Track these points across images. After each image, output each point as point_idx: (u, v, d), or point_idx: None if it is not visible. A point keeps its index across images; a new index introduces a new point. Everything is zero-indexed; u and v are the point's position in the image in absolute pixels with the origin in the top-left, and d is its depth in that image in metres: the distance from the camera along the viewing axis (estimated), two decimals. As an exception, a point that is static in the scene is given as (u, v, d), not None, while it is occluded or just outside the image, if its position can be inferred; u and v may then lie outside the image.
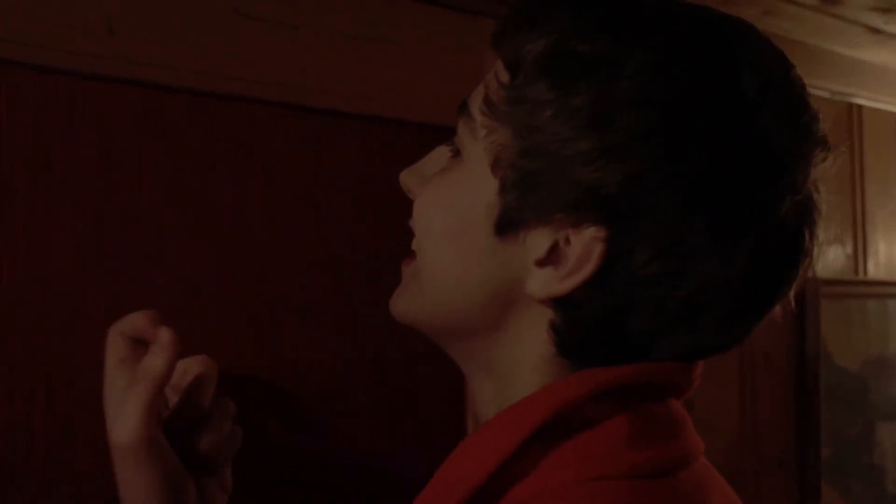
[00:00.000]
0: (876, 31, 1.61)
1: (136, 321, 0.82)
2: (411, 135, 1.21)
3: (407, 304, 0.76)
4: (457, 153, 0.72)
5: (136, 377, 0.78)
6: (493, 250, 0.67)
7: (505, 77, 0.66)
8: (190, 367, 0.87)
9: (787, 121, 0.63)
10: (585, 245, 0.62)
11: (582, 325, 0.66)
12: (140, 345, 0.82)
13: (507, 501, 0.63)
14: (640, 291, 0.63)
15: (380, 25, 1.16)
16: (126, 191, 1.00)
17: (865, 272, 2.00)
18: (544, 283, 0.65)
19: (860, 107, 1.92)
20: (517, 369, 0.69)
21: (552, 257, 0.65)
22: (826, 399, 1.85)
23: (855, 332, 1.95)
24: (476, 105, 0.68)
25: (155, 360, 0.78)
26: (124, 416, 0.77)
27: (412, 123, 1.20)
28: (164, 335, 0.79)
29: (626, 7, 0.65)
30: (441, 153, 0.76)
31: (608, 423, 0.65)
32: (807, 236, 0.65)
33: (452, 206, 0.70)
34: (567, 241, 0.64)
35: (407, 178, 0.77)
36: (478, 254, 0.68)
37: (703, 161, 0.61)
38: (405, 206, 1.13)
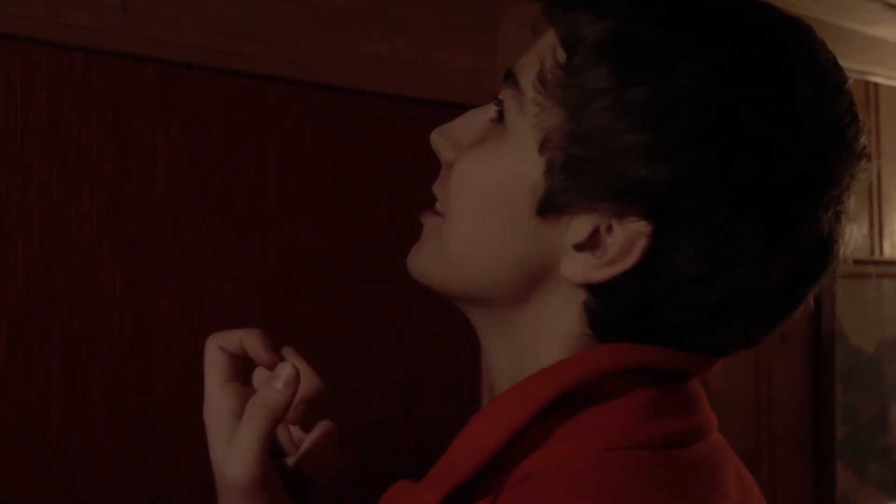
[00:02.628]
0: (894, 7, 1.60)
1: (248, 342, 0.77)
2: (427, 112, 1.20)
3: (427, 264, 0.74)
4: (499, 122, 0.71)
5: (252, 409, 0.73)
6: (532, 230, 0.66)
7: (561, 56, 0.64)
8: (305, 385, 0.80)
9: (837, 132, 0.63)
10: (628, 237, 0.62)
11: (613, 311, 0.65)
12: (239, 360, 0.79)
13: (519, 471, 0.63)
14: (676, 288, 0.63)
15: (398, 4, 1.16)
16: (141, 169, 1.00)
17: (881, 252, 1.99)
18: (582, 267, 0.64)
19: (877, 85, 1.90)
20: (539, 341, 0.69)
21: (591, 242, 0.64)
22: (841, 380, 1.85)
23: (871, 313, 1.94)
24: (527, 78, 0.66)
25: (277, 396, 0.73)
26: (240, 453, 0.73)
27: (428, 101, 1.20)
28: (290, 372, 0.75)
29: None
30: (474, 118, 0.74)
31: (625, 398, 0.65)
32: (839, 243, 0.65)
33: (493, 180, 0.68)
34: (609, 229, 0.63)
35: (438, 139, 0.75)
36: (515, 231, 0.67)
37: (754, 166, 0.61)
38: (421, 183, 1.13)
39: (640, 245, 0.62)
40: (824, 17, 1.60)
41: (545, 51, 0.66)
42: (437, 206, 0.75)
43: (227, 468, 0.72)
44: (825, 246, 0.64)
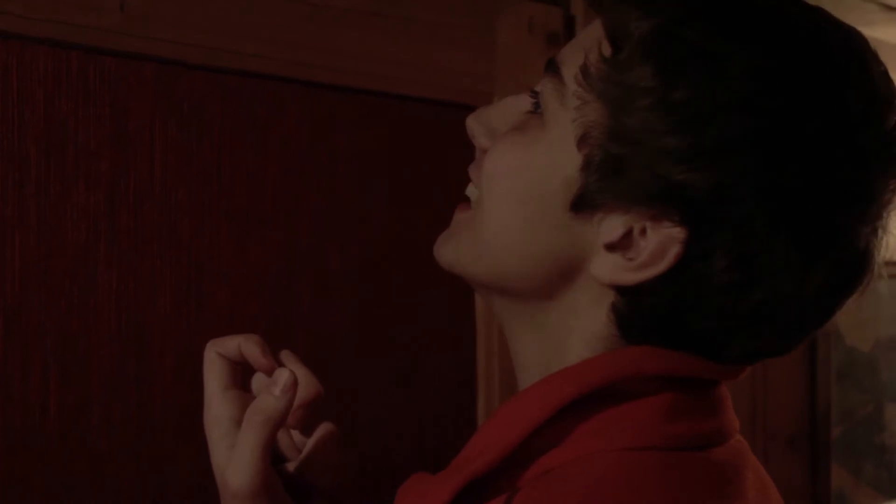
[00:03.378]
0: (890, 8, 1.60)
1: (246, 348, 0.76)
2: (426, 111, 1.20)
3: (456, 253, 0.73)
4: (535, 113, 0.69)
5: (251, 417, 0.72)
6: (564, 225, 0.65)
7: (607, 50, 0.63)
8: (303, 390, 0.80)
9: (884, 147, 0.62)
10: (662, 241, 0.61)
11: (641, 314, 0.64)
12: (238, 366, 0.78)
13: (537, 467, 0.63)
14: (708, 295, 0.62)
15: (396, 2, 1.16)
16: (139, 168, 1.00)
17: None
18: (613, 268, 0.63)
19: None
20: (568, 337, 0.68)
21: (623, 244, 0.63)
22: (837, 379, 1.85)
23: (866, 313, 1.95)
24: (570, 70, 0.65)
25: (275, 403, 0.72)
26: (241, 462, 0.72)
27: (427, 100, 1.20)
28: (287, 377, 0.74)
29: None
30: (512, 106, 0.72)
31: (646, 399, 0.64)
32: (876, 257, 0.64)
33: (528, 171, 0.66)
34: (643, 231, 0.62)
35: (475, 124, 0.73)
36: (546, 225, 0.66)
37: (799, 176, 0.60)
38: (419, 182, 1.13)
39: (674, 251, 0.61)
40: (822, 17, 1.60)
41: (590, 43, 0.64)
42: (468, 190, 0.73)
43: (228, 476, 0.71)
44: (862, 259, 0.63)
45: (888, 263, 0.62)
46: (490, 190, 0.69)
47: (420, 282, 1.18)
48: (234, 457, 0.72)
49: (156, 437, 1.01)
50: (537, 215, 0.66)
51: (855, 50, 0.63)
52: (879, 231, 0.64)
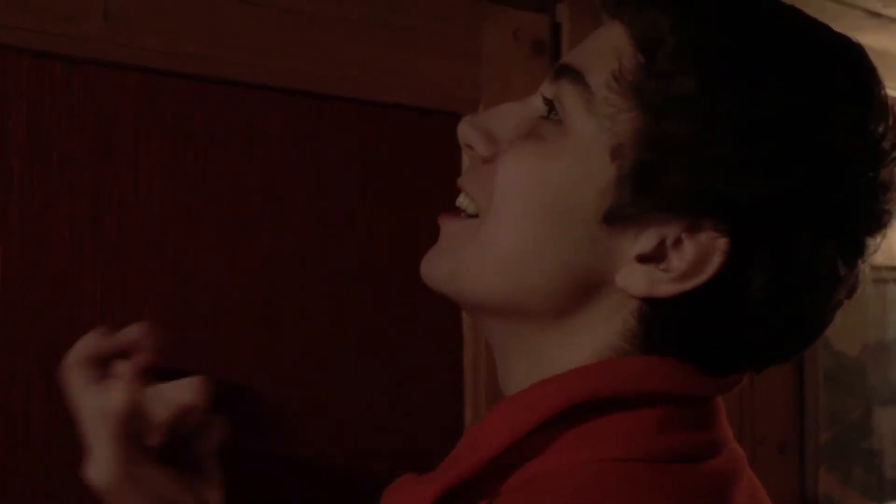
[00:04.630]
0: (876, 14, 1.61)
1: (88, 344, 0.79)
2: (411, 119, 1.20)
3: (455, 269, 0.69)
4: (550, 119, 0.66)
5: (95, 414, 0.75)
6: (594, 238, 0.63)
7: (640, 57, 0.61)
8: (178, 392, 0.81)
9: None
10: (701, 252, 0.60)
11: (665, 326, 0.63)
12: (99, 360, 0.79)
13: (522, 473, 0.62)
14: (739, 308, 0.61)
15: (381, 10, 1.15)
16: (124, 178, 0.99)
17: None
18: (647, 281, 0.62)
19: (859, 91, 1.91)
20: (567, 353, 0.66)
21: (656, 255, 0.62)
22: (825, 384, 1.85)
23: (854, 318, 1.95)
24: (598, 77, 0.63)
25: (114, 396, 0.74)
26: (95, 459, 0.73)
27: (412, 108, 1.20)
28: (119, 368, 0.75)
29: (766, 1, 0.63)
30: (514, 111, 0.69)
31: (639, 411, 0.63)
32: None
33: (555, 181, 0.64)
34: (676, 242, 0.61)
35: (469, 131, 0.69)
36: (573, 236, 0.63)
37: (841, 190, 0.60)
38: (405, 190, 1.13)
39: (716, 261, 0.60)
40: (807, 23, 1.60)
41: (615, 49, 0.62)
42: (459, 201, 0.71)
43: (88, 473, 0.73)
44: (861, 272, 0.66)
45: (874, 268, 0.62)
46: (507, 202, 0.65)
47: (407, 289, 1.17)
48: (90, 453, 0.73)
49: (142, 448, 1.00)
50: (565, 229, 0.64)
51: (871, 66, 0.65)
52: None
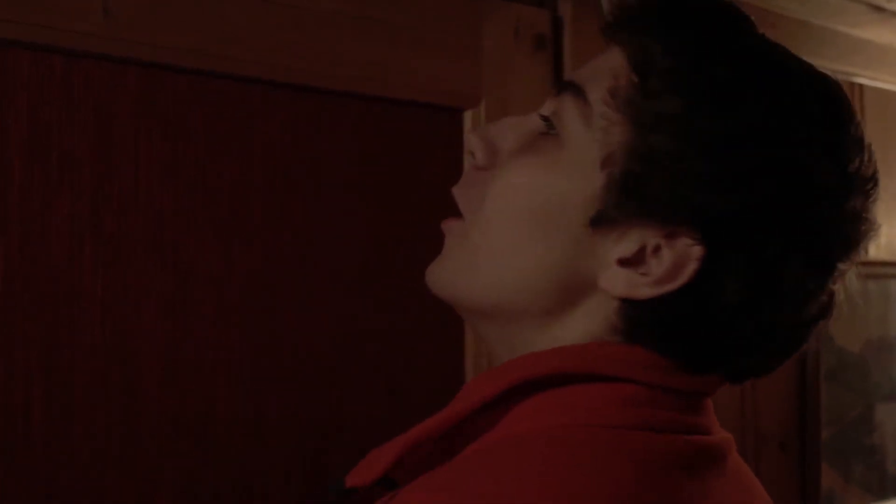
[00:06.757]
0: (879, 9, 1.60)
1: None
2: (412, 115, 1.20)
3: (452, 277, 0.74)
4: (548, 134, 0.71)
5: None
6: (580, 240, 0.67)
7: (634, 77, 0.66)
8: None
9: (870, 183, 0.67)
10: (678, 258, 0.64)
11: (643, 326, 0.67)
12: None
13: (480, 443, 0.66)
14: (714, 314, 0.65)
15: (381, 7, 1.15)
16: (123, 173, 0.99)
17: (866, 253, 1.99)
18: (627, 283, 0.66)
19: (861, 86, 1.91)
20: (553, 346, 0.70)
21: (635, 259, 0.66)
22: (827, 380, 1.85)
23: (856, 314, 1.95)
24: (595, 93, 0.67)
25: None
26: None
27: (413, 103, 1.20)
28: None
29: (752, 35, 0.68)
30: (516, 126, 0.74)
31: (614, 384, 0.66)
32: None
33: (549, 190, 0.68)
34: (655, 249, 0.65)
35: (475, 140, 0.73)
36: (563, 241, 0.68)
37: (812, 206, 0.64)
38: (406, 188, 1.13)
39: (691, 267, 0.63)
40: (809, 18, 1.60)
41: (613, 70, 0.67)
42: (467, 214, 0.74)
43: None
44: (838, 280, 0.69)
45: (876, 264, 0.63)
46: (501, 210, 0.70)
47: (408, 288, 1.17)
48: None
49: (141, 445, 1.00)
50: (555, 232, 0.68)
51: (844, 96, 0.69)
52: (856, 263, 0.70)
